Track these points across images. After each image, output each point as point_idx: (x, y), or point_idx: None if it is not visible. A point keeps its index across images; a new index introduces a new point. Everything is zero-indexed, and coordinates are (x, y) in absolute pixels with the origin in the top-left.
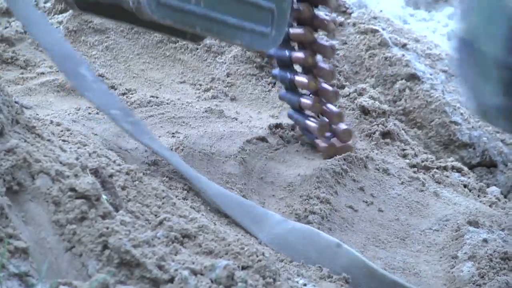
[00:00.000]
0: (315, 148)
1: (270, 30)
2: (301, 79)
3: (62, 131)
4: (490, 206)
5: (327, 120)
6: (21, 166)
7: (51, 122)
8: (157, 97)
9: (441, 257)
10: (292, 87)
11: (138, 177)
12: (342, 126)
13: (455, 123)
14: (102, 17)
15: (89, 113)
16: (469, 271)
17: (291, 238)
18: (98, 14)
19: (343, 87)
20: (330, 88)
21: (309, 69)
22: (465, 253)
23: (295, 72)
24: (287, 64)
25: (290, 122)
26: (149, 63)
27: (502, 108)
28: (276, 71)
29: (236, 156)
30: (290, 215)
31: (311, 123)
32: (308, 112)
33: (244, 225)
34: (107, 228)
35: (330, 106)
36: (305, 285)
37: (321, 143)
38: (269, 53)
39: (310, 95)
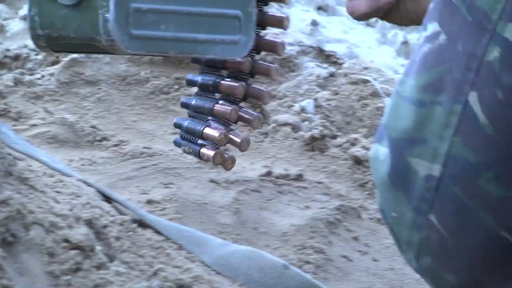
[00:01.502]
0: (308, 198)
1: (240, 37)
2: (222, 108)
3: (55, 182)
4: None
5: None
6: (15, 218)
7: (44, 173)
8: (150, 148)
9: None
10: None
11: (132, 227)
12: (242, 135)
13: None
14: (76, 53)
15: (82, 165)
16: None
17: (233, 260)
18: (72, 52)
19: (335, 137)
20: (264, 89)
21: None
22: None
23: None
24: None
25: (283, 172)
26: (142, 114)
27: (419, 271)
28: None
29: (230, 207)
30: (287, 267)
31: (211, 131)
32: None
33: (186, 248)
34: (102, 278)
35: (248, 110)
36: None
37: (207, 152)
38: (188, 78)
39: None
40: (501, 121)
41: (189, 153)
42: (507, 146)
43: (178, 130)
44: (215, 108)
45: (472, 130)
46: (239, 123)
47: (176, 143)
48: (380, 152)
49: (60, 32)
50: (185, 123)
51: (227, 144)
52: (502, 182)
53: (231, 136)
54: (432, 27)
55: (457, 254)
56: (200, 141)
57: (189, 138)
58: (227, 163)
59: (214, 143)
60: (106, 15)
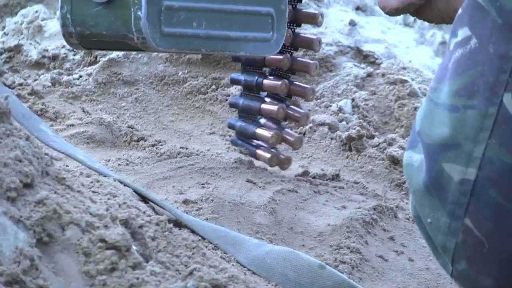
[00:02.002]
0: (345, 198)
1: (272, 34)
2: (271, 107)
3: (92, 182)
4: None
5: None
6: (51, 218)
7: (81, 173)
8: (186, 148)
9: None
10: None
11: (168, 227)
12: (295, 134)
13: None
14: (107, 50)
15: (119, 164)
16: None
17: (269, 260)
18: (103, 49)
19: (372, 137)
20: (307, 86)
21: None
22: None
23: (263, 100)
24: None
25: (320, 172)
26: (179, 114)
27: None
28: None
29: (266, 207)
30: (323, 267)
31: (265, 132)
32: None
33: (221, 248)
34: (138, 278)
35: (295, 108)
36: None
37: (263, 153)
38: (232, 77)
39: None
40: None
41: (245, 153)
42: None
43: (216, 130)
44: (262, 107)
45: (508, 131)
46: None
47: (233, 143)
48: (414, 159)
49: (92, 30)
50: (238, 124)
51: (281, 143)
52: None
53: (284, 135)
54: (462, 32)
55: (494, 257)
56: (255, 142)
57: (244, 139)
58: (283, 163)
59: (269, 143)
60: (138, 13)
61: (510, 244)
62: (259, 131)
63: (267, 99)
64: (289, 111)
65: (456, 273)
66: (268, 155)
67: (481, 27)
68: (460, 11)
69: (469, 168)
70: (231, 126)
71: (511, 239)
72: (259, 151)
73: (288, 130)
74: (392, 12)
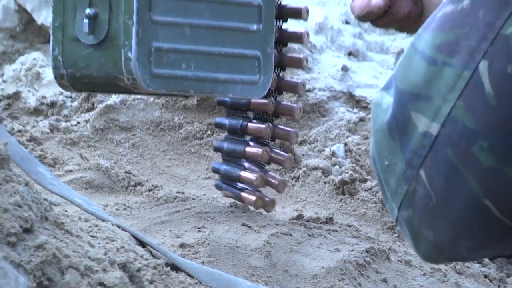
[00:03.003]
0: (338, 241)
1: (259, 77)
2: (255, 150)
3: (90, 226)
4: None
5: (263, 172)
6: (50, 262)
7: (80, 218)
8: (183, 193)
9: None
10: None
11: (165, 271)
12: (278, 177)
13: None
14: (98, 92)
15: (117, 209)
16: None
17: None
18: (94, 91)
19: (365, 181)
20: (290, 129)
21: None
22: None
23: (247, 143)
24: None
25: (314, 215)
26: (175, 159)
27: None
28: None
29: (261, 250)
30: None
31: (248, 175)
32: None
33: (209, 283)
34: None
35: (279, 151)
36: None
37: (248, 196)
38: (216, 122)
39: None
40: (506, 95)
41: (230, 197)
42: (507, 120)
43: (211, 175)
44: (246, 150)
45: (476, 98)
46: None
47: (218, 187)
48: (384, 100)
49: (83, 71)
50: (222, 168)
51: (265, 186)
52: (495, 153)
53: (268, 178)
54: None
55: (439, 213)
56: (240, 185)
57: (228, 182)
58: (268, 206)
59: (254, 186)
60: (129, 54)
61: (454, 204)
62: (244, 173)
63: (251, 143)
64: (273, 154)
65: (401, 218)
66: (253, 198)
67: None
68: None
69: (434, 123)
70: (215, 170)
71: (456, 199)
72: (244, 194)
73: (271, 173)
74: (359, 18)
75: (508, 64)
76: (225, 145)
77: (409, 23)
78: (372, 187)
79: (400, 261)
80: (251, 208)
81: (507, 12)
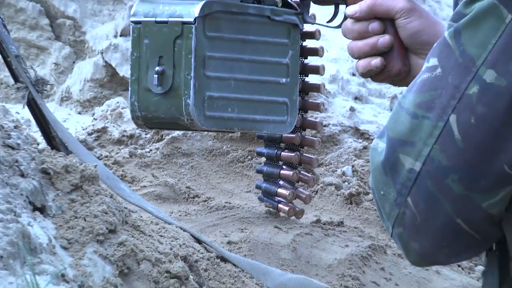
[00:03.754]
0: (347, 239)
1: (287, 118)
2: (287, 172)
3: (159, 228)
4: (477, 280)
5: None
6: (129, 255)
7: (151, 222)
8: (229, 203)
9: None
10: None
11: (216, 262)
12: (306, 191)
13: None
14: (165, 129)
15: (180, 215)
16: None
17: (290, 285)
18: (161, 128)
19: (367, 193)
20: (312, 157)
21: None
22: None
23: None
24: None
25: (329, 220)
26: (223, 177)
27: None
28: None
29: (289, 246)
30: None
31: (283, 191)
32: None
33: (255, 276)
34: None
35: (304, 173)
36: None
37: (283, 206)
38: (257, 151)
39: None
40: (470, 140)
41: (269, 207)
42: (471, 158)
43: (252, 189)
44: (281, 172)
45: (448, 142)
46: (300, 182)
47: (260, 199)
48: (379, 145)
49: (153, 114)
50: (263, 186)
51: (295, 199)
52: (463, 183)
53: (297, 193)
54: (433, 61)
55: (422, 229)
56: (277, 198)
57: (268, 196)
58: (298, 214)
59: (286, 199)
60: (188, 101)
61: (434, 222)
62: (280, 190)
63: (284, 167)
64: (301, 176)
65: (394, 234)
66: (287, 208)
67: (446, 61)
68: (435, 45)
69: (417, 162)
70: (258, 187)
71: (435, 219)
72: (280, 205)
73: (300, 189)
74: (361, 75)
75: (471, 116)
76: (265, 168)
77: (399, 79)
78: (372, 198)
79: (394, 254)
80: (282, 214)
81: (469, 77)
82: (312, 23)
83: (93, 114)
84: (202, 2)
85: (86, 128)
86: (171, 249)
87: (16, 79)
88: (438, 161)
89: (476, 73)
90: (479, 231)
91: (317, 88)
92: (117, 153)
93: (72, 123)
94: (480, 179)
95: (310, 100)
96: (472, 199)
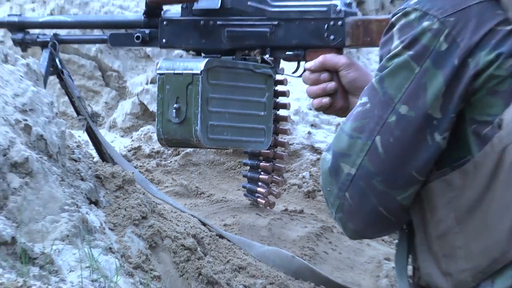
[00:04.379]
0: (306, 222)
1: (264, 139)
2: (264, 176)
3: (177, 216)
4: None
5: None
6: (156, 234)
7: (171, 210)
8: (225, 198)
9: (370, 276)
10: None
11: (216, 238)
12: (277, 190)
13: None
14: (181, 147)
15: (191, 207)
16: (385, 283)
17: (268, 254)
18: (178, 146)
19: (320, 191)
20: (282, 165)
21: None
22: (384, 274)
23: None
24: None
25: (293, 209)
26: (221, 180)
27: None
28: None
29: (266, 227)
30: (295, 254)
31: (261, 189)
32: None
33: (243, 248)
34: (200, 264)
35: (276, 177)
36: None
37: (261, 200)
38: (244, 162)
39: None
40: (389, 153)
41: (251, 201)
42: (390, 166)
43: (241, 189)
44: (260, 177)
45: (374, 155)
46: (273, 183)
47: (245, 195)
48: (326, 157)
49: (172, 137)
50: (247, 186)
51: (270, 195)
52: (384, 183)
53: (271, 191)
54: (364, 99)
55: (356, 214)
56: (257, 194)
57: (251, 193)
58: (271, 205)
59: (265, 194)
60: (196, 128)
61: (363, 210)
62: (259, 189)
63: (262, 173)
64: (273, 179)
65: (337, 218)
66: (263, 201)
67: (373, 99)
68: (365, 88)
69: (352, 168)
70: (244, 187)
71: (364, 207)
72: (259, 199)
73: (273, 188)
74: (316, 110)
75: (390, 137)
76: (249, 174)
77: (341, 112)
78: (323, 194)
79: (338, 232)
80: (260, 205)
81: (389, 111)
82: (281, 74)
83: (132, 137)
84: (206, 60)
85: (126, 147)
86: (184, 229)
87: (78, 113)
88: (367, 168)
89: (394, 107)
90: (395, 216)
91: (285, 118)
92: (147, 163)
93: (117, 143)
94: (395, 180)
95: (280, 127)
96: (390, 194)
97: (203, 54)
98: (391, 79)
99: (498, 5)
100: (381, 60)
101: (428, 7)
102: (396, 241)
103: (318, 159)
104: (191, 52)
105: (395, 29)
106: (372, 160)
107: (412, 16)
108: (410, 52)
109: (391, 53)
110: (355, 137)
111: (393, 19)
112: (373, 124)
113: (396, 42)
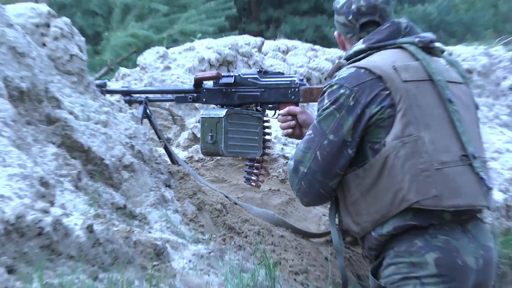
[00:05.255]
0: (282, 196)
1: (257, 151)
2: (256, 171)
3: (212, 192)
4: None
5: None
6: (201, 202)
7: (209, 190)
8: (237, 183)
9: (315, 225)
10: (251, 173)
11: (233, 205)
12: (263, 178)
13: None
14: (213, 157)
15: (220, 188)
16: (323, 228)
17: (261, 213)
18: (212, 156)
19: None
20: (267, 165)
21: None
22: (322, 223)
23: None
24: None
25: (274, 188)
26: (235, 174)
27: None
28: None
29: (260, 198)
30: (275, 213)
31: (254, 178)
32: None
33: (248, 210)
34: (225, 218)
35: (264, 172)
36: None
37: (254, 184)
38: (246, 164)
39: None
40: (324, 160)
41: (249, 184)
42: (325, 167)
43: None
44: (254, 171)
45: (316, 160)
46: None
47: (245, 182)
48: (290, 163)
49: (208, 150)
50: (247, 176)
51: (258, 181)
52: (322, 176)
53: (260, 178)
54: (310, 131)
55: (307, 194)
56: (252, 181)
57: (248, 180)
58: (259, 187)
59: (256, 181)
60: (221, 146)
61: (311, 191)
62: (253, 177)
63: (255, 170)
64: (261, 172)
65: (297, 195)
66: (254, 184)
67: (315, 131)
68: (311, 125)
69: (305, 169)
70: (244, 176)
71: (312, 190)
72: (252, 184)
73: (261, 178)
74: (286, 135)
75: (325, 151)
76: (248, 169)
77: (299, 138)
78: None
79: (297, 202)
80: (255, 187)
81: (323, 138)
82: (267, 117)
83: (188, 151)
84: (226, 110)
85: (185, 156)
86: (216, 200)
87: (159, 138)
88: (312, 168)
89: (326, 136)
90: (328, 193)
91: (269, 140)
92: (196, 165)
93: (180, 155)
94: (328, 175)
95: (266, 144)
96: (325, 182)
97: (224, 107)
98: (324, 121)
99: (381, 80)
100: (318, 110)
101: (343, 82)
102: (329, 206)
103: (287, 163)
104: (218, 105)
105: (325, 94)
106: (315, 164)
107: (335, 87)
108: (334, 106)
109: (323, 107)
110: (305, 151)
111: (325, 88)
112: (315, 145)
113: (326, 101)
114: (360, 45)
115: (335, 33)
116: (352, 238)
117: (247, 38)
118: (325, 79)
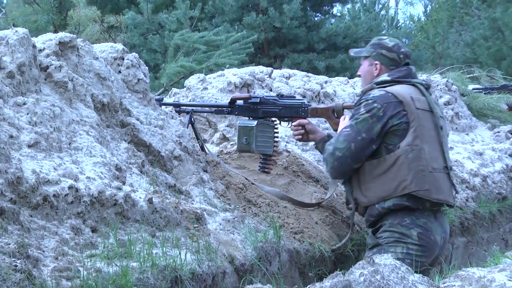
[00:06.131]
0: (285, 178)
1: (271, 149)
2: (268, 161)
3: (236, 176)
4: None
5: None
6: (229, 182)
7: (234, 174)
8: (254, 169)
9: (308, 199)
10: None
11: (251, 184)
12: (272, 166)
13: None
14: (245, 153)
15: (242, 173)
16: (314, 201)
17: (270, 191)
18: (245, 152)
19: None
20: (274, 158)
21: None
22: (313, 198)
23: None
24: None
25: (280, 173)
26: (253, 163)
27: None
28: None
29: (270, 180)
30: (280, 190)
31: (265, 165)
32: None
33: (262, 189)
34: (245, 194)
35: (272, 164)
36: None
37: (266, 170)
38: (261, 157)
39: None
40: (356, 149)
41: (262, 171)
42: (355, 155)
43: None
44: (266, 161)
45: (350, 150)
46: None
47: (259, 169)
48: (329, 147)
49: (243, 149)
50: (261, 165)
51: (270, 168)
52: (351, 161)
53: (269, 167)
54: (347, 129)
55: (338, 171)
56: (265, 168)
57: (261, 167)
58: (269, 172)
59: (268, 168)
60: (253, 146)
61: (341, 169)
62: (266, 165)
63: (268, 161)
64: (271, 162)
65: (328, 171)
66: (266, 170)
67: (351, 129)
68: (347, 123)
69: (340, 153)
70: (259, 165)
71: (341, 168)
72: (265, 170)
73: (270, 166)
74: (297, 140)
75: (357, 144)
76: (262, 161)
77: (306, 141)
78: (293, 167)
79: (297, 182)
80: (266, 172)
81: (358, 134)
82: (281, 126)
83: (219, 147)
84: (256, 121)
85: (217, 151)
86: (239, 180)
87: (197, 138)
88: (346, 154)
89: (360, 133)
90: (351, 172)
91: (277, 141)
92: (225, 157)
93: (213, 150)
94: (356, 159)
95: (275, 144)
96: (352, 165)
97: (251, 118)
98: (360, 123)
99: (401, 104)
100: (353, 116)
101: (376, 99)
102: (343, 182)
103: (289, 155)
104: (247, 118)
105: (362, 105)
106: (348, 151)
107: (370, 101)
108: (368, 114)
109: (360, 113)
110: (343, 142)
111: (362, 101)
112: (350, 139)
113: (362, 109)
114: (385, 77)
115: (364, 62)
116: (354, 206)
117: (261, 68)
118: (322, 102)
